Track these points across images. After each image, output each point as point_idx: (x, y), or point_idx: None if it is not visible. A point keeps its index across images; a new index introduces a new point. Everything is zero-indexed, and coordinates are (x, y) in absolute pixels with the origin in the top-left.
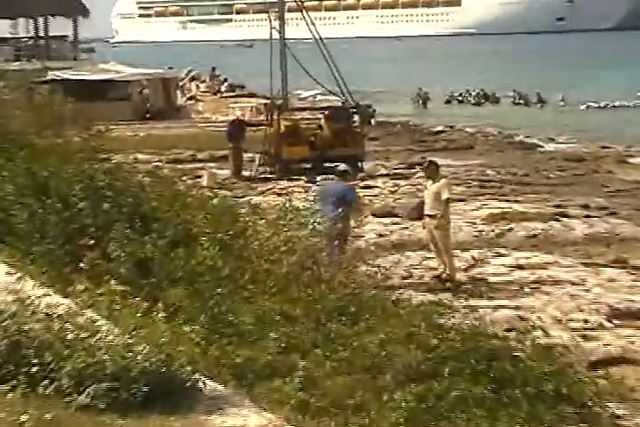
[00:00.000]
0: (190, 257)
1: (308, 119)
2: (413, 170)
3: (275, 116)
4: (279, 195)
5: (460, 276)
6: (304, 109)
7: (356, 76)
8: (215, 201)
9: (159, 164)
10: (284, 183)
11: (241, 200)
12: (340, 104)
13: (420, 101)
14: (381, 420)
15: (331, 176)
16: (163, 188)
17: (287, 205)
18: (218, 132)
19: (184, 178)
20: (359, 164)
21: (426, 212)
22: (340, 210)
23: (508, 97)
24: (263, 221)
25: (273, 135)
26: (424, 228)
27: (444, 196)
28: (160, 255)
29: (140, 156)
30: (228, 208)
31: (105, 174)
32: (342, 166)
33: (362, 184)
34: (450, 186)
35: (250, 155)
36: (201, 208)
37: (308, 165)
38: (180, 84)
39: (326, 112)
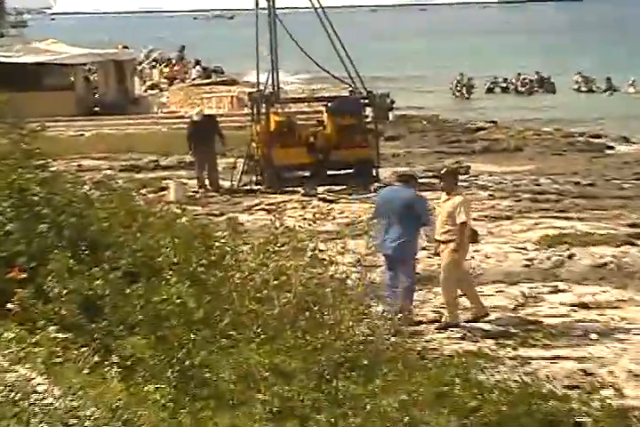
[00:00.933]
0: (153, 295)
1: (307, 113)
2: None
3: (262, 110)
4: (269, 212)
5: (505, 317)
6: (301, 100)
7: (369, 57)
8: (185, 221)
9: (111, 172)
10: (274, 197)
11: (219, 220)
12: (347, 93)
13: (464, 90)
14: None
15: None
16: (116, 204)
17: (278, 224)
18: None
19: (144, 191)
20: (373, 171)
21: (436, 236)
22: (407, 225)
23: (568, 83)
24: (248, 246)
25: (260, 134)
26: (437, 254)
27: (460, 219)
28: (113, 293)
29: (86, 162)
30: (201, 230)
31: (40, 186)
32: (405, 169)
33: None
34: (469, 205)
35: (229, 160)
36: (166, 230)
37: (306, 173)
38: (139, 68)
39: (330, 104)
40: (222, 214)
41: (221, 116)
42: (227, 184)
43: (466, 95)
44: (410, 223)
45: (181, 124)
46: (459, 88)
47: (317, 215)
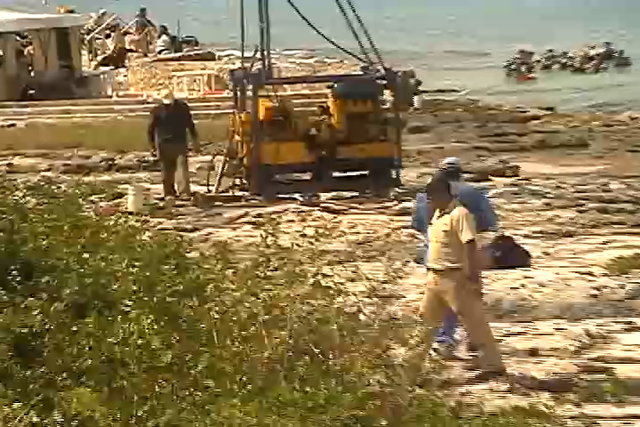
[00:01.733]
0: (106, 333)
1: (306, 97)
2: (486, 184)
3: (248, 93)
4: (257, 226)
5: (565, 362)
6: (299, 80)
7: (382, 26)
8: (147, 237)
9: (52, 174)
10: (264, 207)
11: (192, 236)
12: (359, 72)
13: (523, 68)
14: None
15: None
16: (58, 215)
17: (270, 243)
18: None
19: (94, 198)
20: (393, 172)
21: (429, 264)
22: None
23: None
24: (230, 271)
25: (245, 125)
26: (429, 288)
27: (466, 236)
28: (54, 330)
29: (18, 160)
30: (169, 249)
31: None
32: (452, 159)
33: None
34: (471, 219)
35: (204, 159)
36: (124, 250)
37: (306, 176)
38: (87, 37)
39: (336, 85)
40: (196, 229)
41: (194, 101)
42: (201, 190)
43: (529, 74)
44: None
45: (143, 111)
46: (513, 66)
47: (320, 231)
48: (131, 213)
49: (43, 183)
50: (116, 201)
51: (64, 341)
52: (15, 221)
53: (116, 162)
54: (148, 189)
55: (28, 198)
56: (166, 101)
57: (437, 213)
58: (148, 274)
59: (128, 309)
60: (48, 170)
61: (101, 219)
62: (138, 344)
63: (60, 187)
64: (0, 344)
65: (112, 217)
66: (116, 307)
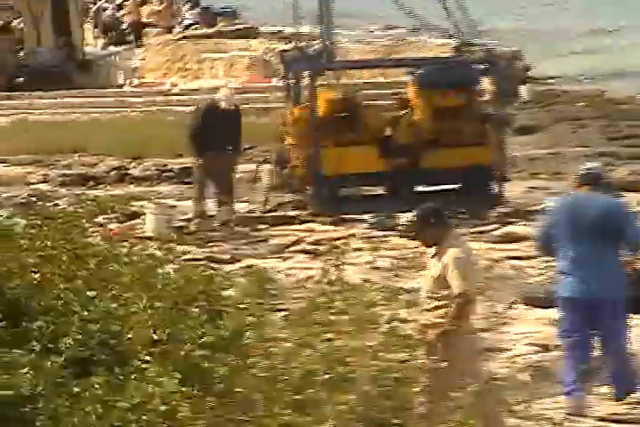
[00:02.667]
0: (118, 396)
1: (380, 87)
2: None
3: (303, 81)
4: (315, 256)
5: None
6: (371, 65)
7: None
8: (172, 271)
9: (46, 187)
10: (324, 230)
11: (229, 269)
12: (450, 55)
13: None
14: None
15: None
16: (55, 241)
17: (332, 278)
18: (179, 115)
19: (102, 219)
20: (494, 186)
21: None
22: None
23: None
24: (279, 314)
25: (300, 124)
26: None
27: (456, 288)
28: (50, 392)
29: (2, 168)
30: (200, 287)
31: None
32: (592, 164)
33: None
34: (469, 264)
35: (245, 168)
36: (140, 287)
37: (380, 190)
38: (93, 7)
39: (420, 72)
40: (236, 260)
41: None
42: (241, 208)
43: None
44: (612, 246)
45: (167, 104)
46: None
47: (398, 262)
48: (150, 239)
49: (34, 199)
50: (131, 223)
51: (63, 407)
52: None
53: (129, 171)
54: (173, 208)
55: (15, 220)
56: (224, 104)
57: (431, 253)
58: (172, 319)
59: (146, 365)
60: (42, 182)
61: (111, 246)
62: (160, 411)
63: (57, 204)
64: None
65: (125, 244)
66: (130, 362)
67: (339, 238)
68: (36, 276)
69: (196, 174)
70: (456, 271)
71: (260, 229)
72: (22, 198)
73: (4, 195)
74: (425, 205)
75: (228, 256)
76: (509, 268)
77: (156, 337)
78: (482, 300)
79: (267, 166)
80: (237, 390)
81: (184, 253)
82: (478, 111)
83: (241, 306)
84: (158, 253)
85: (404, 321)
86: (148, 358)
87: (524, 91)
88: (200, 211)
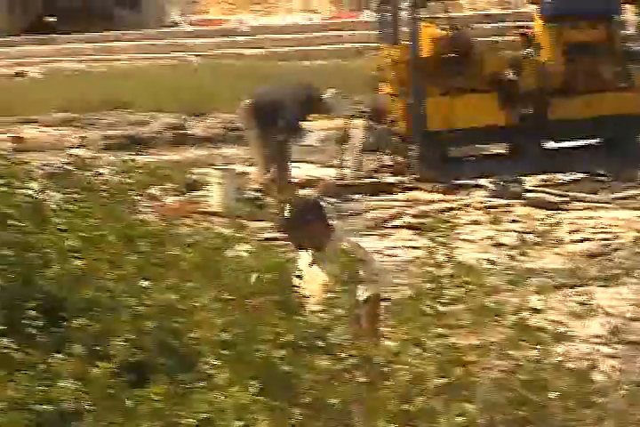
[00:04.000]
0: (180, 409)
1: (496, 19)
2: None
3: (400, 15)
4: (419, 232)
5: None
6: None
7: None
8: (243, 253)
9: (86, 152)
10: (431, 199)
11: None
12: None
13: None
14: None
15: None
16: (98, 219)
17: (442, 258)
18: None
19: (156, 191)
20: None
21: None
22: None
23: None
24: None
25: (399, 68)
26: None
27: (361, 294)
28: (98, 407)
29: (32, 131)
30: (278, 273)
31: None
32: None
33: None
34: (369, 263)
35: (333, 123)
36: (206, 274)
37: (500, 148)
38: None
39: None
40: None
41: (312, 29)
42: (327, 174)
43: None
44: None
45: (233, 47)
46: None
47: (526, 238)
48: (216, 215)
49: (71, 168)
50: (192, 195)
51: (114, 425)
52: (29, 229)
53: (187, 131)
54: (244, 175)
55: (49, 193)
56: None
57: (306, 260)
58: (244, 314)
59: (215, 371)
60: (79, 146)
61: (168, 224)
62: None
63: (99, 173)
64: None
65: (185, 221)
66: (195, 367)
67: (450, 209)
68: (77, 262)
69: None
70: (359, 272)
71: (353, 200)
72: (57, 167)
73: (35, 162)
74: (302, 200)
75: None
76: None
77: (225, 336)
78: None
79: (358, 122)
80: (328, 399)
81: (258, 231)
82: (620, 48)
83: (326, 296)
84: (226, 231)
85: (535, 311)
86: (216, 362)
87: None
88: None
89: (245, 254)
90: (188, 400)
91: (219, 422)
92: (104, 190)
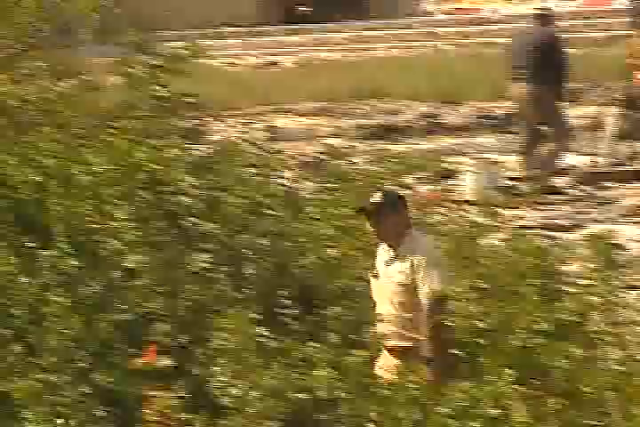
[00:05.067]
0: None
1: None
2: None
3: None
4: None
5: None
6: None
7: None
8: (499, 242)
9: (339, 141)
10: None
11: (570, 237)
12: None
13: None
14: None
15: None
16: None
17: None
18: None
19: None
20: None
21: (386, 342)
22: None
23: None
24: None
25: None
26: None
27: (427, 288)
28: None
29: (285, 120)
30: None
31: (194, 172)
32: None
33: None
34: (440, 260)
35: (583, 111)
36: (461, 262)
37: None
38: None
39: None
40: (575, 226)
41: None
42: (581, 161)
43: None
44: None
45: (485, 36)
46: None
47: None
48: (470, 203)
49: (325, 158)
50: (446, 184)
51: (369, 412)
52: (285, 218)
53: (442, 119)
54: (498, 164)
55: (303, 182)
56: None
57: (386, 252)
58: (500, 302)
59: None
60: (333, 135)
61: (423, 212)
62: (488, 418)
63: (352, 162)
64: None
65: (439, 209)
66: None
67: None
68: (332, 251)
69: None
70: (433, 267)
71: (607, 188)
72: (311, 156)
73: (289, 151)
74: (388, 189)
75: (568, 222)
76: None
77: (481, 325)
78: None
79: (613, 109)
80: (585, 388)
81: (513, 218)
82: None
83: (584, 283)
84: (481, 219)
85: None
86: (473, 350)
87: None
88: (531, 166)
89: (499, 243)
90: (444, 389)
91: (475, 411)
92: (357, 179)
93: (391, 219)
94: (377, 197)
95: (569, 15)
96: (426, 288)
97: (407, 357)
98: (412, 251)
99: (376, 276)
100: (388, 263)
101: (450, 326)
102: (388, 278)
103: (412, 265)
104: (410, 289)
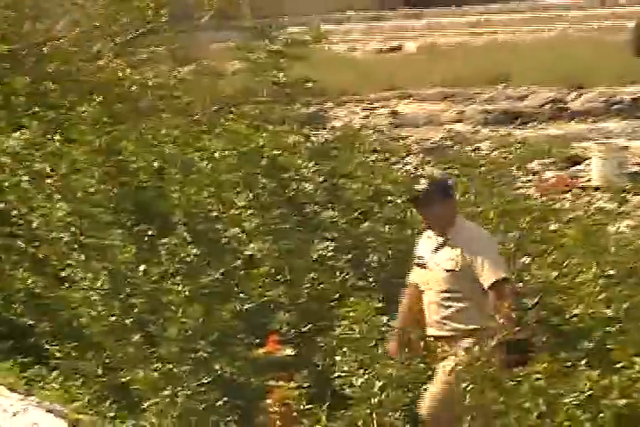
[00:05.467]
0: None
1: None
2: None
3: None
4: None
5: None
6: None
7: None
8: (627, 230)
9: (463, 127)
10: None
11: None
12: None
13: None
14: None
15: None
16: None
17: None
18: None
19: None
20: None
21: (430, 331)
22: None
23: None
24: None
25: None
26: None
27: (491, 276)
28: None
29: (407, 106)
30: None
31: (317, 158)
32: None
33: None
34: (496, 246)
35: None
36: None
37: None
38: None
39: None
40: None
41: None
42: None
43: None
44: None
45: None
46: None
47: None
48: (597, 189)
49: (449, 143)
50: (573, 169)
51: (494, 403)
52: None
53: (568, 105)
54: (626, 149)
55: (427, 168)
56: None
57: (432, 240)
58: (629, 290)
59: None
60: (457, 121)
61: (549, 199)
62: (615, 407)
63: (477, 148)
64: None
65: (566, 196)
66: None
67: None
68: None
69: None
70: (490, 256)
71: None
72: (435, 142)
73: (411, 137)
74: (437, 176)
75: None
76: None
77: (610, 313)
78: None
79: None
80: None
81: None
82: None
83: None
84: (609, 206)
85: None
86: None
87: None
88: None
89: (628, 230)
90: (569, 378)
91: (604, 401)
92: (482, 166)
93: (440, 206)
94: (425, 185)
95: None
96: (490, 273)
97: (451, 344)
98: (462, 238)
99: (421, 265)
100: (435, 251)
101: (516, 309)
102: (436, 266)
103: (463, 252)
104: (459, 276)
